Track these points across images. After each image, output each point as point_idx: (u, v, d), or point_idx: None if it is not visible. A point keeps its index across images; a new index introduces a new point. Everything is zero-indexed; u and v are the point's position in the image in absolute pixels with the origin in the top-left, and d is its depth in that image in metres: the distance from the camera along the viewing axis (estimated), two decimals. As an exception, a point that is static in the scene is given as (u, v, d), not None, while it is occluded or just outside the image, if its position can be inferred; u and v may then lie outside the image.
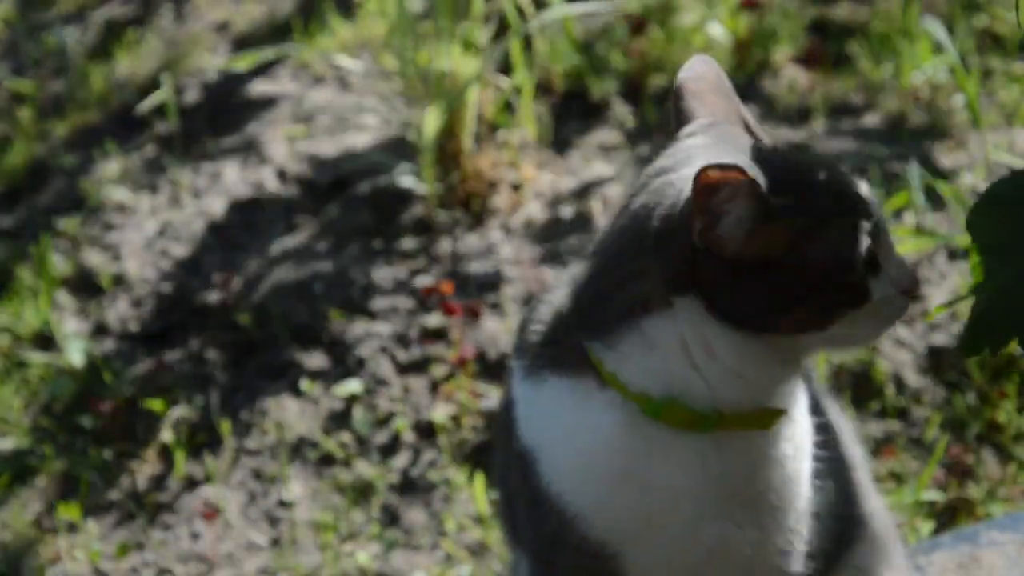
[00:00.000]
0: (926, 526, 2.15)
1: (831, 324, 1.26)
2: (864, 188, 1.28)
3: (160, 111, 3.36)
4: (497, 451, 1.53)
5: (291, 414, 2.48)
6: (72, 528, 2.33)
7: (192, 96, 3.51)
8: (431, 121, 2.73)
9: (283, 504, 2.34)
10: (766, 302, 1.26)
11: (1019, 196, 1.10)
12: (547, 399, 1.38)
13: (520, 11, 2.89)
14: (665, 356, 1.29)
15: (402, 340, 2.59)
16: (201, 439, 2.47)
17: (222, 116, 3.42)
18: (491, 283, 2.69)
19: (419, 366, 2.55)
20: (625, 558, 1.36)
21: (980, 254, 1.11)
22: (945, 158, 2.84)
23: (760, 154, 1.30)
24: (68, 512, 2.33)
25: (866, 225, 1.25)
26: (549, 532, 1.39)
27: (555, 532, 1.38)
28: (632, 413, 1.32)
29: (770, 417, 1.32)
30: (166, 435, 2.47)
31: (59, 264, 2.94)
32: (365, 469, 2.38)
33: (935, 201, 2.69)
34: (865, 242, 1.25)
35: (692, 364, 1.29)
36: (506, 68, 3.05)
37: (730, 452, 1.32)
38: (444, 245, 2.81)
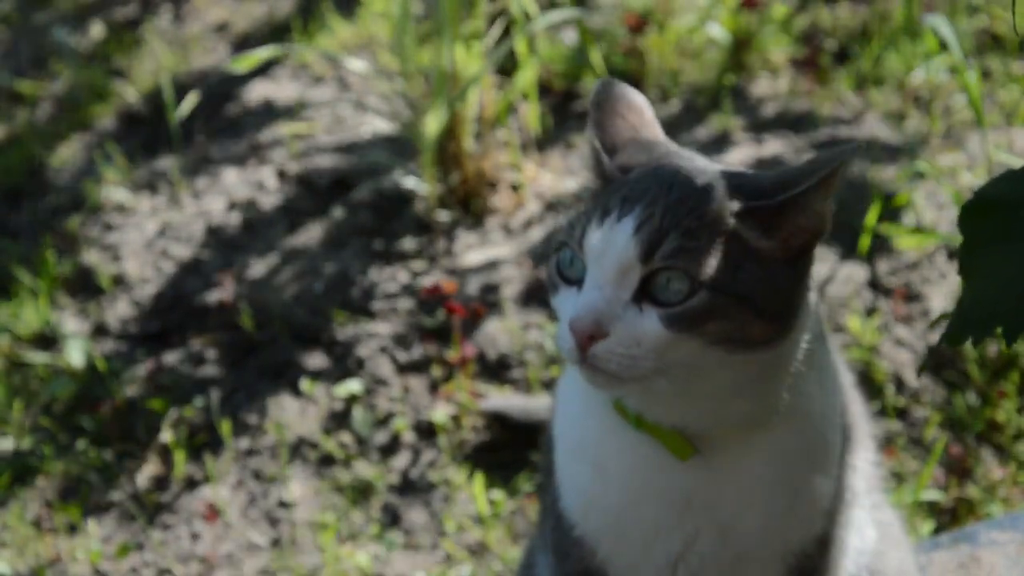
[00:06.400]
0: (926, 526, 2.15)
1: (553, 299, 1.32)
2: (618, 218, 1.25)
3: (160, 111, 3.36)
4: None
5: (291, 414, 2.48)
6: (72, 528, 2.33)
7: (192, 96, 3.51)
8: (432, 121, 2.73)
9: (283, 504, 2.34)
10: None
11: (1009, 196, 1.12)
12: (565, 383, 1.46)
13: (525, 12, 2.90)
14: None
15: (402, 340, 2.59)
16: (201, 439, 2.47)
17: (222, 116, 3.42)
18: (491, 283, 2.69)
19: (419, 366, 2.55)
20: (603, 555, 1.40)
21: (970, 251, 1.12)
22: (944, 158, 2.84)
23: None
24: (68, 512, 2.33)
25: (573, 232, 1.28)
26: (553, 513, 1.44)
27: (556, 518, 1.44)
28: (609, 408, 1.37)
29: (682, 445, 1.32)
30: (166, 435, 2.47)
31: (59, 264, 2.94)
32: (365, 469, 2.38)
33: (934, 201, 2.69)
34: (561, 241, 1.29)
35: None
36: (506, 69, 3.05)
37: (689, 467, 1.34)
38: (444, 245, 2.82)
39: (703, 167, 1.31)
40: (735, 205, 1.24)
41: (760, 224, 1.24)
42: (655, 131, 1.40)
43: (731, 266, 1.22)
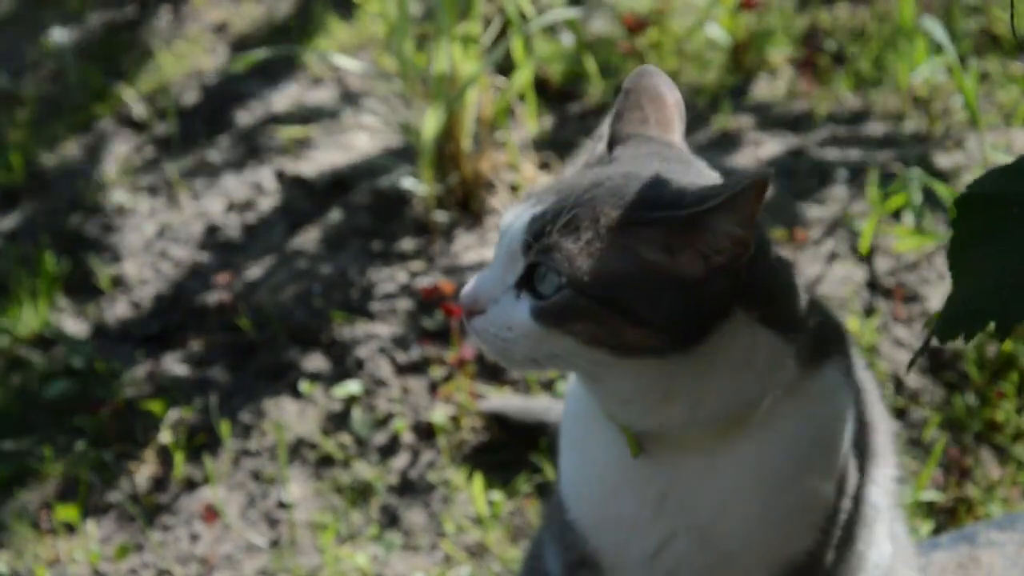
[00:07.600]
0: (925, 526, 2.15)
1: None
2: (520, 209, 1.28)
3: (159, 112, 3.36)
4: None
5: (290, 415, 2.48)
6: (71, 529, 2.33)
7: (191, 97, 3.51)
8: (430, 122, 2.73)
9: (282, 505, 2.34)
10: None
11: (1000, 191, 1.12)
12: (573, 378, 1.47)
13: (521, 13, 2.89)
14: None
15: (401, 341, 2.59)
16: (200, 440, 2.47)
17: (221, 117, 3.42)
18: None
19: (418, 367, 2.55)
20: (593, 544, 1.41)
21: (961, 246, 1.13)
22: (943, 158, 2.84)
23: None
24: (67, 513, 2.33)
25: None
26: (557, 498, 1.47)
27: (558, 503, 1.46)
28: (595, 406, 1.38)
29: (632, 443, 1.33)
30: (165, 436, 2.47)
31: (58, 265, 2.94)
32: (364, 470, 2.38)
33: (934, 201, 2.69)
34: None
35: None
36: (505, 69, 3.05)
37: (659, 466, 1.34)
38: (442, 246, 2.82)
39: (657, 172, 1.27)
40: (635, 214, 1.22)
41: (661, 237, 1.21)
42: (667, 130, 1.37)
43: (608, 272, 1.21)
